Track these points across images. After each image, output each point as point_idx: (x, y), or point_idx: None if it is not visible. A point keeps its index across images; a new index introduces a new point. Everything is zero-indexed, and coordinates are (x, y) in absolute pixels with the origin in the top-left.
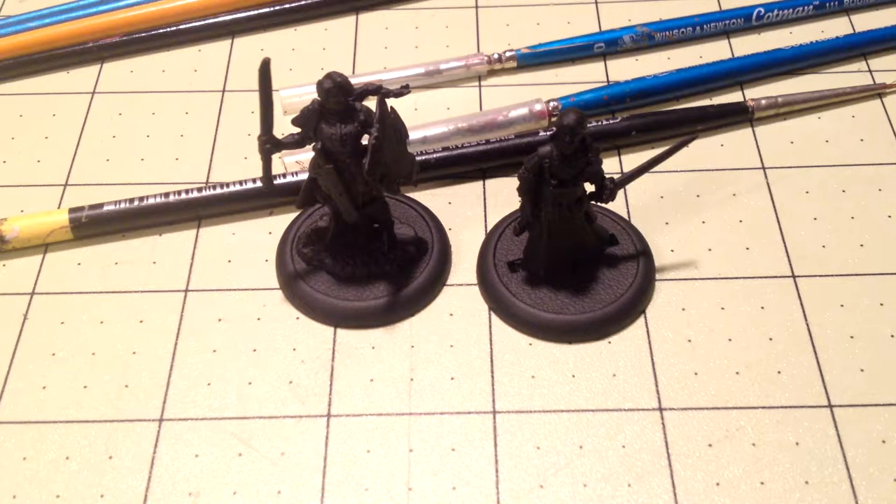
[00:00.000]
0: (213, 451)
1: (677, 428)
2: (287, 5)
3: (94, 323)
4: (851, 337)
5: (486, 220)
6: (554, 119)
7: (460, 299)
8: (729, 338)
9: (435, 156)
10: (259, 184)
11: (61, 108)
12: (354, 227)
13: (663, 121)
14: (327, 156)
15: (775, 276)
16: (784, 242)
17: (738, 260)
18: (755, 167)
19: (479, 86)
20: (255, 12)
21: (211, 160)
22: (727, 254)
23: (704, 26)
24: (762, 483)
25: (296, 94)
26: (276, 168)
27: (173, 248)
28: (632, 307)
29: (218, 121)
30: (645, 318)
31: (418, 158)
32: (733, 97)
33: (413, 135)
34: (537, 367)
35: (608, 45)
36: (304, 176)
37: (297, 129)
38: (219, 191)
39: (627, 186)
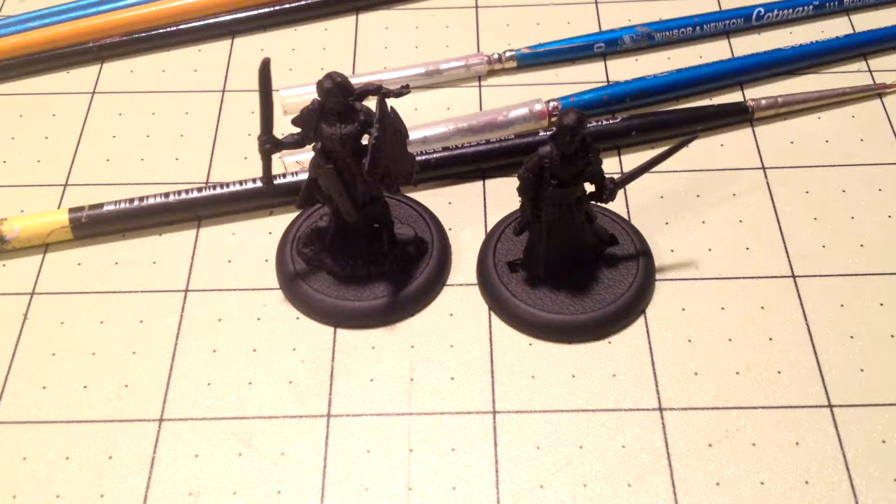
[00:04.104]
0: (213, 451)
1: (677, 428)
2: (287, 5)
3: (94, 323)
4: (851, 337)
5: (486, 220)
6: (554, 119)
7: (460, 299)
8: (729, 338)
9: (435, 156)
10: (259, 184)
11: (61, 108)
12: (354, 227)
13: (663, 121)
14: (327, 156)
15: (775, 276)
16: (784, 242)
17: (738, 260)
18: (755, 167)
19: (479, 86)
20: (255, 12)
21: (211, 160)
22: (727, 254)
23: (704, 26)
24: (762, 483)
25: (296, 94)
26: (276, 168)
27: (173, 248)
28: (632, 307)
29: (218, 121)
30: (645, 318)
31: (418, 158)
32: (733, 97)
33: (413, 135)
34: (537, 367)
35: (608, 45)
36: (304, 176)
37: (297, 129)
38: (219, 191)
39: (627, 186)
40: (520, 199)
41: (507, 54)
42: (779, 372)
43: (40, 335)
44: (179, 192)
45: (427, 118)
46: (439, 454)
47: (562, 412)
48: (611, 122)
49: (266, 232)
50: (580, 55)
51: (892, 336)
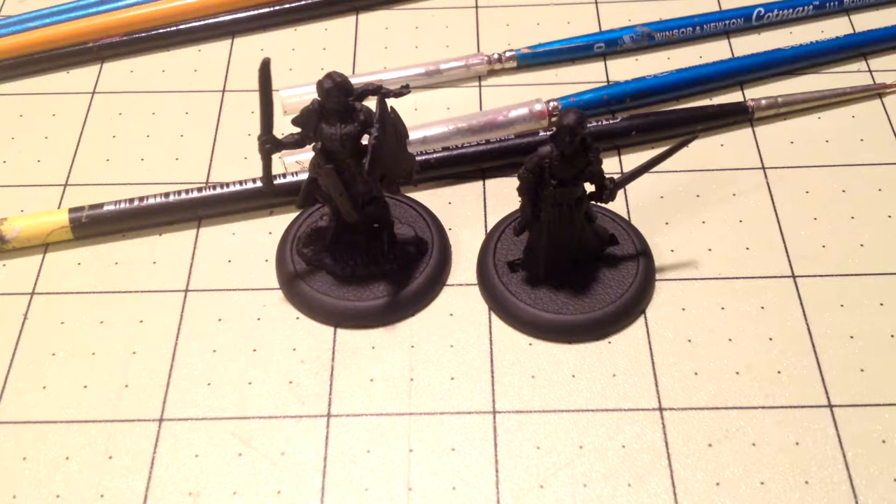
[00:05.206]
0: (213, 451)
1: (677, 428)
2: (287, 5)
3: (94, 323)
4: (851, 337)
5: (486, 220)
6: (554, 119)
7: (460, 299)
8: (729, 338)
9: (435, 156)
10: (259, 184)
11: (61, 108)
12: (354, 227)
13: (663, 121)
14: (327, 156)
15: (775, 276)
16: (784, 242)
17: (738, 260)
18: (755, 167)
19: (479, 86)
20: (255, 12)
21: (211, 160)
22: (727, 254)
23: (704, 26)
24: (762, 483)
25: (296, 94)
26: (276, 168)
27: (173, 248)
28: (632, 307)
29: (218, 121)
30: (645, 318)
31: (418, 158)
32: (733, 97)
33: (413, 135)
34: (537, 367)
35: (608, 45)
36: (304, 176)
37: (297, 129)
38: (219, 191)
39: (627, 186)
40: (520, 199)
41: (507, 54)
42: (779, 372)
43: (40, 335)
44: (179, 192)
45: (427, 118)
46: (439, 454)
47: (562, 412)
48: (611, 122)
49: (266, 232)
50: (580, 55)
51: (892, 336)
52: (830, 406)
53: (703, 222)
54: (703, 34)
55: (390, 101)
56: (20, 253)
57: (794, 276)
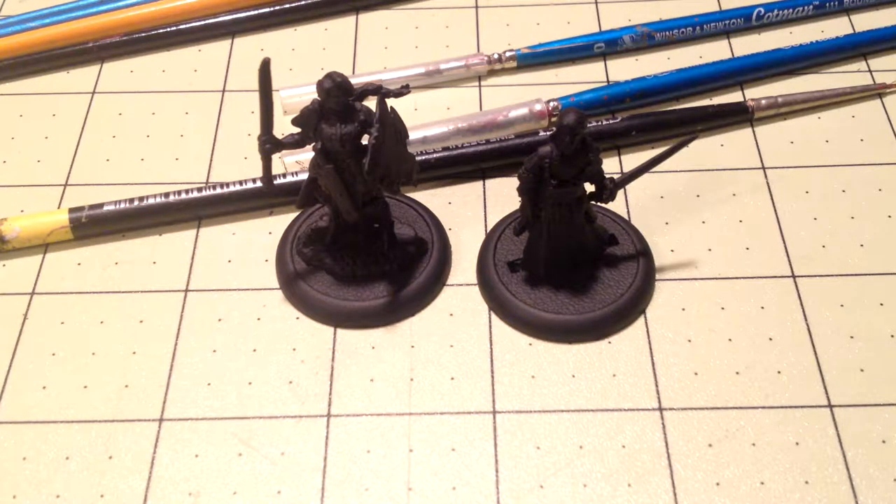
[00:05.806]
0: (213, 451)
1: (677, 428)
2: (287, 5)
3: (94, 323)
4: (851, 337)
5: (486, 220)
6: (554, 119)
7: (460, 299)
8: (729, 338)
9: (435, 156)
10: (259, 184)
11: (61, 108)
12: (354, 227)
13: (663, 121)
14: (327, 156)
15: (775, 276)
16: (784, 242)
17: (738, 260)
18: (755, 167)
19: (479, 86)
20: (255, 12)
21: (211, 160)
22: (727, 254)
23: (704, 26)
24: (762, 483)
25: (296, 94)
26: (276, 168)
27: (173, 248)
28: (632, 307)
29: (218, 121)
30: (645, 318)
31: (418, 158)
32: (733, 97)
33: (413, 135)
34: (537, 367)
35: (608, 45)
36: (304, 176)
37: (297, 129)
38: (219, 191)
39: (627, 186)
40: (520, 199)
41: (507, 54)
42: (779, 372)
43: (40, 335)
44: (179, 192)
45: (427, 118)
46: (439, 454)
47: (562, 412)
48: (611, 122)
49: (266, 232)
50: (580, 55)
51: (892, 336)
52: (830, 406)
53: (703, 222)
54: (703, 34)
55: (390, 101)
56: (20, 253)
57: (794, 276)
